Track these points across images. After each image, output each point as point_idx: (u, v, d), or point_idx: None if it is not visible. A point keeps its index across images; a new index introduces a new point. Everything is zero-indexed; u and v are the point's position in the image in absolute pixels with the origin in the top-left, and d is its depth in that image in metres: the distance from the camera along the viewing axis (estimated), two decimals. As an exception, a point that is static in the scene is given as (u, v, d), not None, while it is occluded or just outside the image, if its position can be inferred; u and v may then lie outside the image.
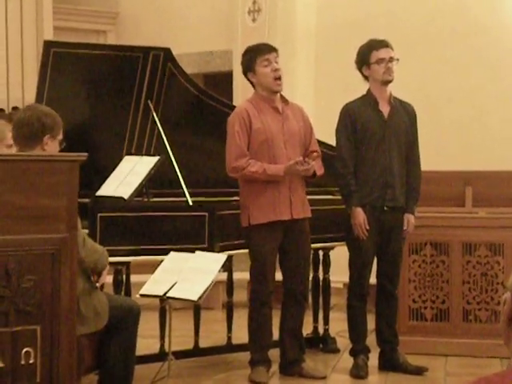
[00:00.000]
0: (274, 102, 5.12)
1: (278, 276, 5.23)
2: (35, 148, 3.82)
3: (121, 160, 5.26)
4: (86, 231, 4.14)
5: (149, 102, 5.45)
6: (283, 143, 5.07)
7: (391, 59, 5.20)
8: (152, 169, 5.06)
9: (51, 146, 3.84)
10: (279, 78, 5.06)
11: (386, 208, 5.22)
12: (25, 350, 3.24)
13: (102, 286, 4.16)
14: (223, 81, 9.09)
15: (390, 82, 5.23)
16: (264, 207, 5.00)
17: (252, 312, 5.15)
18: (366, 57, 5.22)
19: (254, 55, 5.07)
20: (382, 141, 5.22)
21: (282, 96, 5.17)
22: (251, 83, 5.15)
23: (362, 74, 5.27)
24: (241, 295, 7.17)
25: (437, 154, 7.31)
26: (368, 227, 5.16)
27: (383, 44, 5.22)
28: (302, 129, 5.17)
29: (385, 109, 5.27)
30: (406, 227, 5.28)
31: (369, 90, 5.28)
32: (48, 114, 3.89)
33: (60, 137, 3.90)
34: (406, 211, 5.28)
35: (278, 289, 5.28)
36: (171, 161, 5.26)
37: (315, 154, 5.04)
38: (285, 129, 5.10)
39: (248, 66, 5.10)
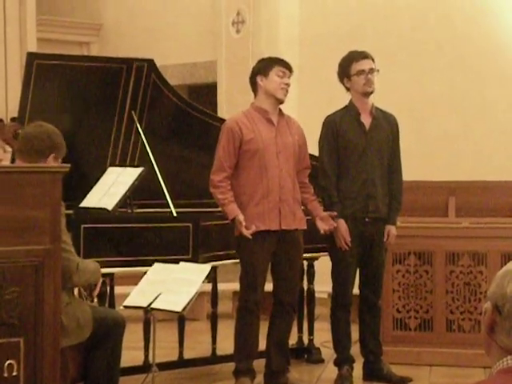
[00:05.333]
0: (268, 113, 5.11)
1: (268, 287, 5.22)
2: (38, 163, 3.81)
3: (104, 171, 5.26)
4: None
5: (132, 113, 5.46)
6: (276, 154, 5.07)
7: (371, 70, 5.21)
8: (136, 180, 5.07)
9: None
10: (286, 91, 5.10)
11: (367, 219, 5.23)
12: (8, 362, 3.23)
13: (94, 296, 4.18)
14: (207, 92, 9.11)
15: (371, 93, 5.25)
16: (253, 217, 5.00)
17: (239, 320, 5.14)
18: (346, 69, 5.23)
19: (274, 63, 5.10)
20: (364, 152, 5.23)
21: (279, 109, 5.18)
22: (254, 89, 5.15)
23: (344, 85, 5.29)
24: (225, 306, 7.17)
25: (420, 164, 7.33)
26: (350, 238, 5.18)
27: (363, 55, 5.24)
28: (296, 142, 5.17)
29: (366, 120, 5.28)
30: (387, 238, 5.29)
31: (351, 102, 5.29)
32: (58, 134, 3.93)
33: (60, 160, 3.92)
34: (387, 222, 5.30)
35: (267, 299, 5.28)
36: (155, 172, 5.26)
37: None
38: (278, 140, 5.09)
39: (262, 70, 5.09)
